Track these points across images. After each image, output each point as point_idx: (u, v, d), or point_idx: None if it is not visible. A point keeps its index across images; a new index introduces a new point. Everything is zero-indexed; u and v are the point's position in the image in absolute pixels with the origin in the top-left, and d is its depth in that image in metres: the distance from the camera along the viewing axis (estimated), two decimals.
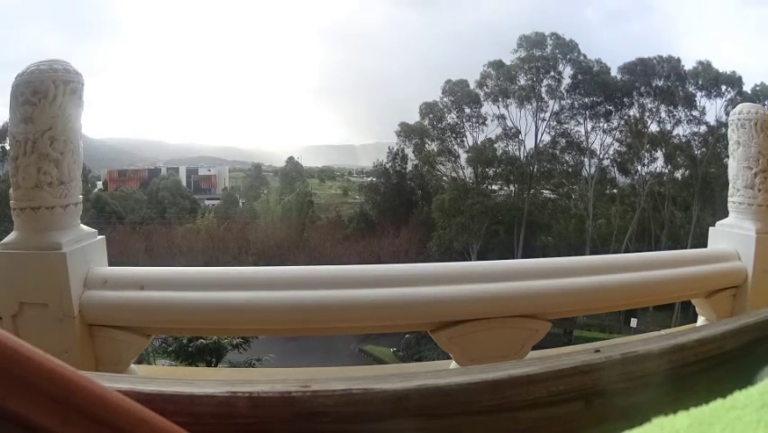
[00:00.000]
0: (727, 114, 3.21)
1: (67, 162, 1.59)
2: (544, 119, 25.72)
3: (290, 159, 33.24)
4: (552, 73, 25.41)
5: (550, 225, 25.82)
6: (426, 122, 26.23)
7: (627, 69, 25.15)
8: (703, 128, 24.61)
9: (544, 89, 25.57)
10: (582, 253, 21.22)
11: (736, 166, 2.31)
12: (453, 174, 26.43)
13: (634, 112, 25.30)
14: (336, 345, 17.91)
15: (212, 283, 1.67)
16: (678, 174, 25.52)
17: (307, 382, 0.49)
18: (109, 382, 0.39)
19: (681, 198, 25.06)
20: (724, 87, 24.06)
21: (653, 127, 25.24)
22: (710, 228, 2.43)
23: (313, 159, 40.09)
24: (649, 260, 2.27)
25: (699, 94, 24.60)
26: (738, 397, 0.33)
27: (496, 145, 25.92)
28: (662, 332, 1.35)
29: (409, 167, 27.37)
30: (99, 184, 31.56)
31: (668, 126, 25.02)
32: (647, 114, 25.08)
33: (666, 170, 25.45)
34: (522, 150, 25.81)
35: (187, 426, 0.40)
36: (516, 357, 1.71)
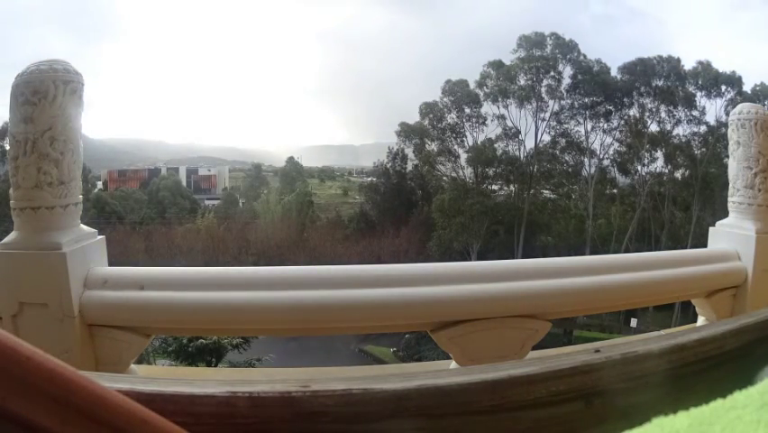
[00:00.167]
0: (727, 114, 3.21)
1: (67, 162, 1.59)
2: (543, 119, 25.75)
3: (290, 159, 33.25)
4: (552, 73, 25.42)
5: (550, 225, 25.82)
6: (426, 122, 26.23)
7: (627, 68, 25.15)
8: (703, 128, 24.62)
9: (543, 89, 25.59)
10: (582, 253, 21.21)
11: (736, 166, 2.31)
12: (453, 174, 26.43)
13: (634, 112, 25.33)
14: (336, 345, 17.91)
15: (212, 283, 1.67)
16: (678, 174, 25.52)
17: (307, 382, 0.49)
18: (109, 382, 0.39)
19: (681, 198, 25.06)
20: (724, 87, 24.07)
21: (653, 127, 25.27)
22: (710, 228, 2.43)
23: (313, 159, 40.15)
24: (649, 260, 2.27)
25: (698, 94, 24.61)
26: (738, 397, 0.33)
27: (496, 145, 25.93)
28: (662, 332, 1.35)
29: (409, 167, 27.37)
30: (99, 184, 31.55)
31: (668, 126, 25.04)
32: (647, 114, 25.09)
33: (666, 170, 25.46)
34: (522, 150, 25.84)
35: (187, 426, 0.40)
36: (516, 357, 1.71)
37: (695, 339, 0.64)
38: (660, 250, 18.16)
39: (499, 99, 25.60)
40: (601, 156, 25.78)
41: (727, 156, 2.42)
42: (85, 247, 1.67)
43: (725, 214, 2.41)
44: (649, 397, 0.57)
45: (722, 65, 23.91)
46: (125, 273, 1.73)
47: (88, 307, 1.61)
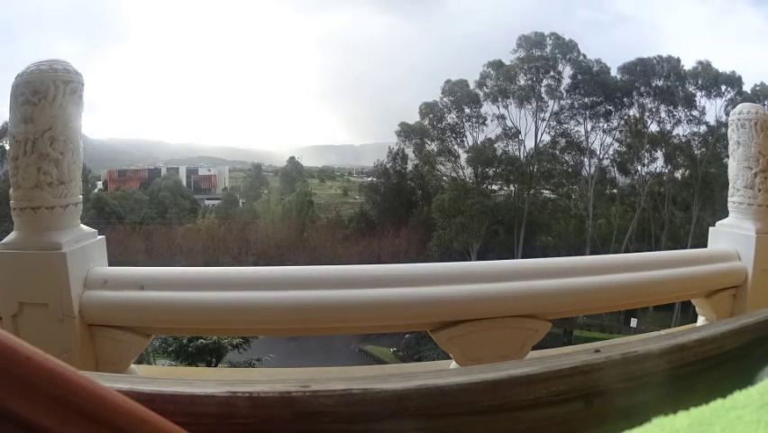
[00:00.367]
0: (727, 114, 3.21)
1: (67, 162, 1.59)
2: (543, 119, 25.76)
3: (291, 159, 33.25)
4: (551, 73, 25.43)
5: (550, 226, 25.82)
6: (426, 122, 26.24)
7: (627, 68, 25.16)
8: (703, 128, 24.63)
9: (543, 89, 25.59)
10: (582, 253, 21.22)
11: (736, 166, 2.31)
12: (453, 174, 26.44)
13: (634, 112, 25.33)
14: (336, 345, 17.90)
15: (212, 283, 1.67)
16: (678, 174, 25.52)
17: (307, 382, 0.49)
18: (109, 382, 0.39)
19: (681, 198, 25.06)
20: (724, 87, 24.07)
21: (653, 127, 25.28)
22: (710, 228, 2.43)
23: (313, 159, 40.11)
24: (649, 260, 2.27)
25: (698, 94, 24.62)
26: (738, 397, 0.33)
27: (496, 145, 25.93)
28: (662, 332, 1.35)
29: (409, 167, 27.37)
30: (99, 184, 31.55)
31: (668, 126, 25.05)
32: (647, 114, 25.09)
33: (666, 170, 25.46)
34: (522, 150, 25.84)
35: (187, 426, 0.40)
36: (516, 357, 1.71)
37: (695, 339, 0.64)
38: (660, 250, 18.16)
39: (499, 99, 25.61)
40: (601, 156, 25.81)
41: (727, 156, 2.42)
42: (85, 247, 1.67)
43: (725, 214, 2.41)
44: (649, 397, 0.57)
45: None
46: (125, 273, 1.73)
47: (88, 307, 1.61)
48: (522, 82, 25.51)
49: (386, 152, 27.75)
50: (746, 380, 0.36)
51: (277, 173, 34.27)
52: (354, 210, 28.74)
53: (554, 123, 25.77)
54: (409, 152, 26.89)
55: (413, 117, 26.52)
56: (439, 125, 26.20)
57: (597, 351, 0.60)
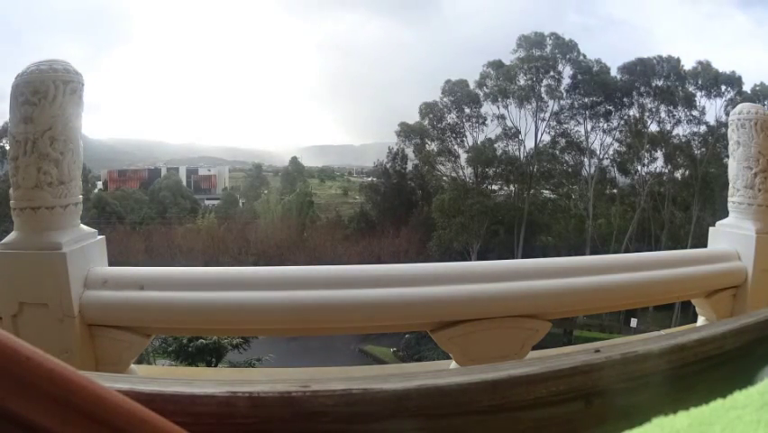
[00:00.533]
0: (727, 114, 3.21)
1: (67, 162, 1.59)
2: (543, 119, 25.76)
3: (292, 159, 33.26)
4: (551, 73, 25.42)
5: (550, 226, 25.82)
6: (426, 122, 26.23)
7: (627, 68, 25.16)
8: (703, 128, 24.62)
9: (543, 89, 25.59)
10: (582, 253, 21.21)
11: (736, 166, 2.31)
12: (453, 174, 26.44)
13: (633, 112, 25.32)
14: (336, 345, 17.90)
15: (212, 283, 1.67)
16: (678, 174, 25.52)
17: (307, 382, 0.49)
18: (109, 382, 0.39)
19: (681, 198, 25.06)
20: (724, 87, 24.07)
21: (653, 127, 25.27)
22: (710, 228, 2.43)
23: (313, 159, 40.13)
24: (649, 260, 2.27)
25: (698, 94, 24.62)
26: (738, 397, 0.33)
27: (496, 145, 25.93)
28: (662, 332, 1.35)
29: (409, 167, 27.37)
30: (99, 184, 31.55)
31: (668, 126, 25.04)
32: (647, 114, 25.09)
33: (666, 170, 25.46)
34: (522, 150, 25.84)
35: (187, 426, 0.40)
36: (516, 357, 1.71)
37: (695, 339, 0.64)
38: (660, 250, 18.16)
39: (499, 99, 25.61)
40: (601, 156, 25.81)
41: (727, 156, 2.42)
42: (85, 247, 1.67)
43: (725, 214, 2.41)
44: (649, 397, 0.57)
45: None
46: (125, 273, 1.73)
47: (88, 307, 1.61)
48: (522, 82, 25.51)
49: (386, 152, 27.76)
50: (746, 380, 0.36)
51: (277, 173, 34.29)
52: (354, 210, 28.74)
53: (554, 123, 25.79)
54: (409, 152, 26.91)
55: (413, 117, 26.58)
56: (439, 125, 26.19)
57: (597, 351, 0.60)
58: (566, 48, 25.43)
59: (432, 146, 26.44)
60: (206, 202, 31.99)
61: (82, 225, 1.71)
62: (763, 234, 2.21)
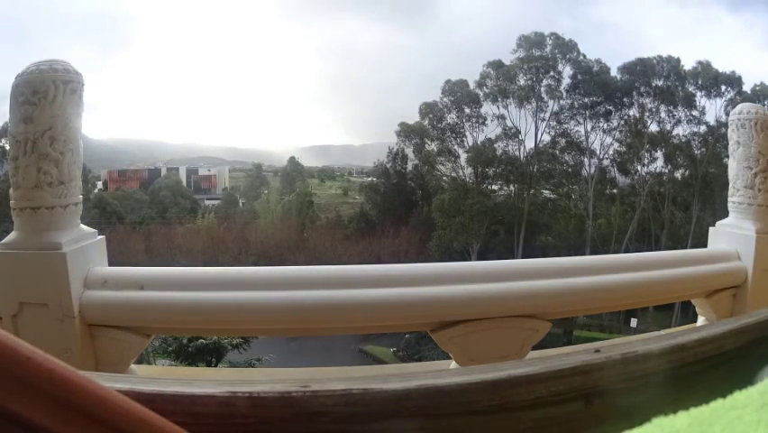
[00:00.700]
0: (727, 114, 3.21)
1: (67, 162, 1.59)
2: (543, 119, 25.76)
3: (291, 159, 33.26)
4: (551, 73, 25.42)
5: (550, 226, 25.82)
6: (426, 122, 26.23)
7: (627, 68, 25.15)
8: (703, 128, 24.62)
9: (543, 89, 25.59)
10: (582, 253, 21.21)
11: (736, 166, 2.31)
12: (453, 174, 26.43)
13: (633, 112, 25.33)
14: (336, 345, 17.89)
15: (212, 283, 1.67)
16: (678, 174, 25.52)
17: (307, 382, 0.49)
18: (109, 382, 0.39)
19: (681, 197, 25.06)
20: (724, 87, 24.07)
21: (653, 127, 25.27)
22: (710, 228, 2.43)
23: (313, 159, 40.14)
24: (649, 260, 2.27)
25: (698, 94, 24.62)
26: (738, 397, 0.33)
27: (496, 145, 25.92)
28: (662, 332, 1.35)
29: (409, 167, 27.37)
30: (99, 184, 31.55)
31: (668, 126, 25.04)
32: (647, 114, 25.09)
33: (666, 170, 25.46)
34: (522, 150, 25.84)
35: (187, 426, 0.40)
36: (516, 357, 1.71)
37: (695, 339, 0.64)
38: (660, 250, 18.16)
39: (499, 99, 25.60)
40: (601, 156, 25.81)
41: (727, 156, 2.42)
42: (85, 247, 1.67)
43: (725, 214, 2.41)
44: (649, 397, 0.57)
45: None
46: (125, 273, 1.73)
47: (88, 307, 1.61)
48: (522, 82, 25.51)
49: (386, 152, 27.76)
50: (746, 380, 0.36)
51: (277, 173, 34.27)
52: (354, 210, 28.74)
53: (554, 123, 25.79)
54: (409, 152, 26.91)
55: (413, 118, 26.59)
56: (439, 125, 26.19)
57: (597, 351, 0.60)
58: (566, 48, 25.44)
59: (432, 146, 26.44)
60: (206, 202, 31.98)
61: (82, 225, 1.71)
62: (763, 234, 2.21)
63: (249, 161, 38.96)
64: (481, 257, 22.44)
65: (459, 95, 25.94)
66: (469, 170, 26.13)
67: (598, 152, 25.74)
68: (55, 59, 1.58)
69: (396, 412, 0.50)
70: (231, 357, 12.87)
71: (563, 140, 25.88)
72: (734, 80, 23.97)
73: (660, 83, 24.77)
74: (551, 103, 25.63)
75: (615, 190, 26.25)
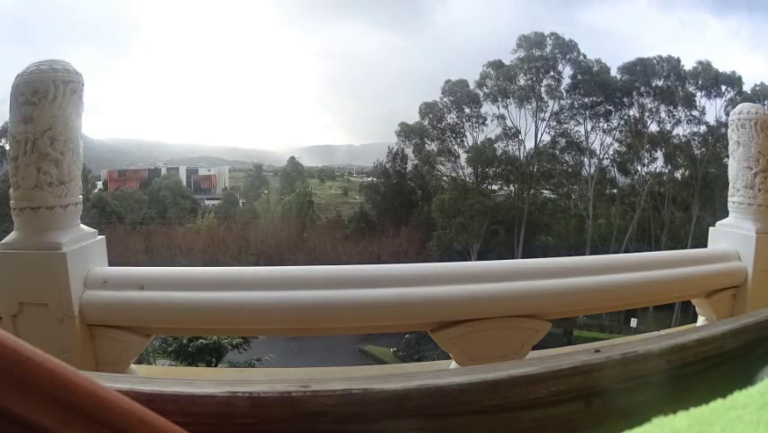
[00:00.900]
0: (727, 114, 3.21)
1: (67, 162, 1.59)
2: (543, 119, 25.76)
3: (291, 159, 33.26)
4: (551, 73, 25.43)
5: (550, 226, 25.82)
6: (426, 122, 26.23)
7: (627, 68, 25.16)
8: (703, 128, 24.63)
9: (543, 89, 25.59)
10: (582, 253, 21.21)
11: (736, 166, 2.31)
12: (453, 174, 26.44)
13: (634, 112, 25.33)
14: (336, 345, 17.89)
15: (212, 283, 1.67)
16: (678, 174, 25.53)
17: (307, 382, 0.49)
18: (109, 382, 0.39)
19: (681, 197, 25.06)
20: (724, 87, 24.08)
21: (653, 127, 25.28)
22: (710, 228, 2.43)
23: (313, 159, 40.15)
24: (649, 260, 2.27)
25: (698, 94, 24.62)
26: (738, 397, 0.33)
27: (496, 145, 25.93)
28: (662, 332, 1.35)
29: (409, 167, 27.37)
30: (99, 184, 31.55)
31: (668, 126, 25.05)
32: (647, 114, 25.09)
33: (666, 170, 25.46)
34: (522, 150, 25.84)
35: (187, 426, 0.40)
36: (516, 357, 1.71)
37: (695, 339, 0.64)
38: (660, 250, 18.16)
39: (499, 99, 25.61)
40: (601, 156, 25.82)
41: (727, 156, 2.42)
42: (85, 247, 1.67)
43: (725, 214, 2.41)
44: (649, 397, 0.57)
45: None
46: (125, 273, 1.73)
47: (88, 307, 1.60)
48: (522, 82, 25.51)
49: (386, 152, 27.75)
50: (746, 380, 0.36)
51: (277, 173, 34.29)
52: (354, 210, 28.73)
53: (554, 123, 25.79)
54: (409, 152, 26.90)
55: (412, 118, 26.59)
56: (439, 125, 26.19)
57: (597, 351, 0.60)
58: (566, 48, 25.44)
59: (432, 146, 26.45)
60: (206, 202, 31.99)
61: (82, 225, 1.71)
62: (763, 234, 2.21)
63: (249, 161, 38.97)
64: (481, 257, 22.44)
65: (459, 95, 25.94)
66: (469, 170, 26.14)
67: (598, 152, 25.78)
68: (55, 59, 1.58)
69: (396, 412, 0.50)
70: (231, 357, 12.87)
71: (563, 140, 25.88)
72: (734, 80, 23.98)
73: (660, 83, 24.78)
74: (551, 103, 25.66)
75: (615, 190, 26.25)
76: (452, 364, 1.78)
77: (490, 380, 0.53)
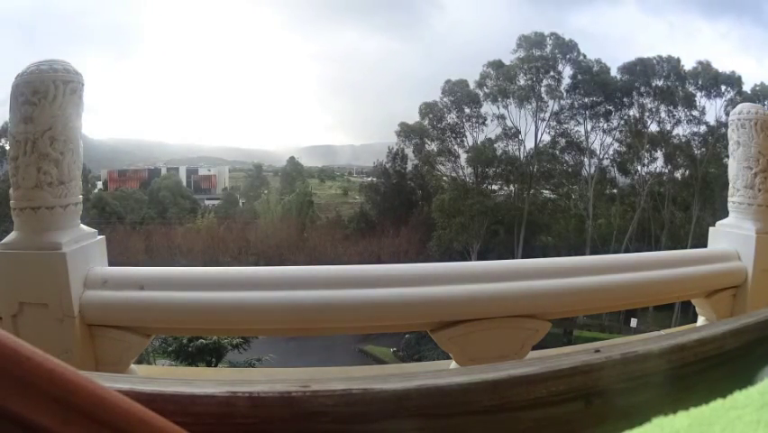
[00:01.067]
0: (727, 114, 3.21)
1: (67, 162, 1.59)
2: (543, 119, 25.76)
3: (291, 159, 33.26)
4: (551, 73, 25.42)
5: (550, 226, 25.82)
6: (426, 122, 26.23)
7: (627, 68, 25.15)
8: (703, 128, 24.62)
9: (543, 89, 25.59)
10: (582, 253, 21.21)
11: (736, 166, 2.31)
12: (453, 174, 26.43)
13: (633, 112, 25.32)
14: (336, 345, 17.89)
15: (212, 283, 1.67)
16: (678, 174, 25.52)
17: (307, 382, 0.49)
18: (109, 382, 0.39)
19: (681, 197, 25.06)
20: (723, 87, 24.07)
21: (653, 127, 25.27)
22: (710, 228, 2.43)
23: (313, 159, 40.15)
24: (649, 260, 2.27)
25: (698, 94, 24.61)
26: (738, 397, 0.33)
27: (496, 145, 25.92)
28: (662, 332, 1.35)
29: (409, 167, 27.36)
30: (99, 184, 31.54)
31: (668, 126, 25.04)
32: (647, 114, 25.08)
33: (666, 170, 25.46)
34: (522, 150, 25.84)
35: (187, 426, 0.40)
36: (516, 357, 1.71)
37: (695, 339, 0.64)
38: (660, 250, 18.16)
39: (499, 99, 25.60)
40: (601, 156, 25.81)
41: (727, 156, 2.42)
42: (85, 247, 1.67)
43: (725, 214, 2.41)
44: (649, 397, 0.57)
45: None
46: (125, 273, 1.73)
47: (88, 307, 1.60)
48: (522, 82, 25.50)
49: (386, 152, 27.74)
50: (746, 380, 0.36)
51: (277, 173, 34.29)
52: (354, 210, 28.73)
53: (554, 123, 25.79)
54: (409, 152, 26.90)
55: (412, 119, 26.59)
56: (439, 125, 26.19)
57: (597, 351, 0.60)
58: (566, 48, 25.44)
59: (432, 146, 26.44)
60: (206, 202, 31.98)
61: (82, 225, 1.71)
62: (763, 234, 2.21)
63: (249, 161, 38.96)
64: (481, 257, 22.44)
65: (459, 95, 25.94)
66: (469, 170, 26.14)
67: (598, 152, 25.77)
68: (55, 59, 1.58)
69: (396, 412, 0.50)
70: (231, 357, 12.87)
71: (563, 140, 25.88)
72: (734, 80, 23.97)
73: (660, 83, 24.78)
74: (551, 103, 25.66)
75: (615, 190, 26.25)
76: (452, 364, 1.78)
77: (490, 380, 0.53)
